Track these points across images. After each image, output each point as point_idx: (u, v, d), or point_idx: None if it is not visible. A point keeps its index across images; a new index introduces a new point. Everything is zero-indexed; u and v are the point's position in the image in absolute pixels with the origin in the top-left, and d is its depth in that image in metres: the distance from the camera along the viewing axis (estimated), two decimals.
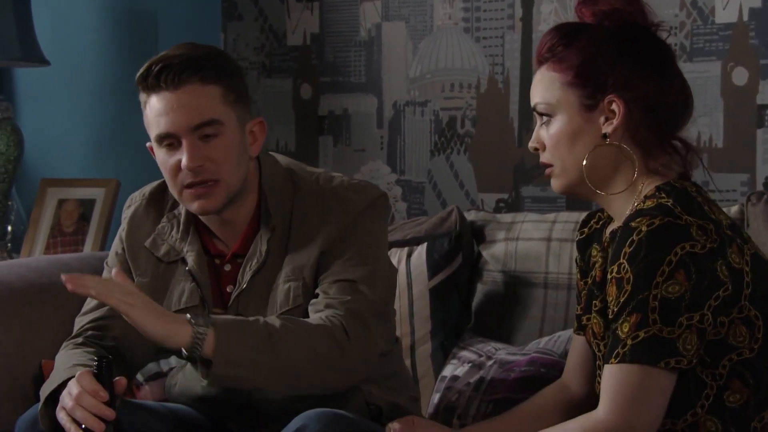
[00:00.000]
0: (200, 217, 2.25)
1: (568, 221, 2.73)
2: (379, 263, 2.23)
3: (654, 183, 1.94)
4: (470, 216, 2.91)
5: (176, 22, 3.57)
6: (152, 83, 2.15)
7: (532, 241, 2.76)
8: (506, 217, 2.87)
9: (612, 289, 1.87)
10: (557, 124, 1.96)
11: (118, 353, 2.23)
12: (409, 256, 2.84)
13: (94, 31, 3.59)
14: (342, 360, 2.10)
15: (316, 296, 2.18)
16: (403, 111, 3.39)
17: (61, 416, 2.00)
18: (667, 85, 1.95)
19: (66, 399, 1.99)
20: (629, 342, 1.83)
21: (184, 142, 2.14)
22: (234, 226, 2.25)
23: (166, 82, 2.13)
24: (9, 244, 3.44)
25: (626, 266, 1.84)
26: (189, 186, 2.16)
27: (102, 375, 1.98)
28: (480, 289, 2.82)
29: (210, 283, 2.26)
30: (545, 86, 1.97)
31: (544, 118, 1.98)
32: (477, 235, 2.87)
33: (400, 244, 2.87)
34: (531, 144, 2.01)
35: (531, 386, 2.37)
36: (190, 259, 2.26)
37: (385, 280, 2.24)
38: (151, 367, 2.73)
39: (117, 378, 2.02)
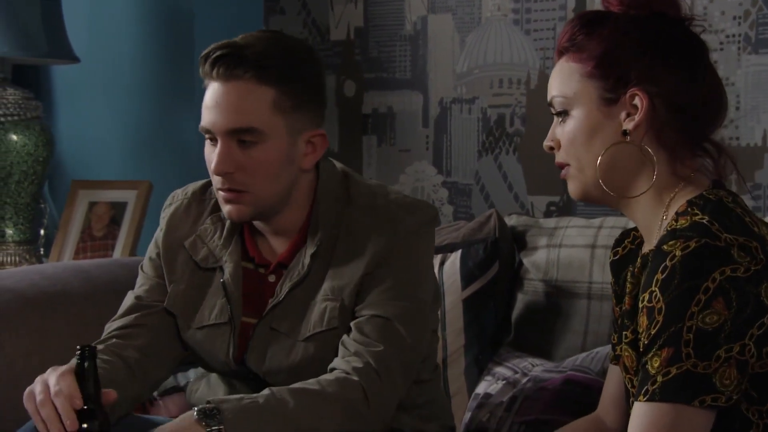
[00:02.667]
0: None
1: (615, 227, 2.52)
2: (420, 295, 2.08)
3: (685, 196, 1.73)
4: (511, 221, 2.72)
5: (216, 17, 3.44)
6: (207, 70, 2.03)
7: (575, 248, 2.56)
8: (549, 222, 2.67)
9: (643, 320, 1.67)
10: (574, 119, 1.78)
11: (140, 365, 2.11)
12: (442, 264, 2.65)
13: (130, 29, 3.49)
14: (361, 424, 1.97)
15: (349, 330, 2.04)
16: (449, 109, 3.22)
17: (29, 406, 1.88)
18: (696, 83, 1.75)
19: (38, 387, 1.88)
20: (660, 378, 1.62)
21: (219, 143, 2.02)
22: (284, 233, 2.12)
23: (218, 73, 2.01)
24: (42, 249, 3.33)
25: (658, 294, 1.63)
26: (220, 188, 2.05)
27: (83, 371, 1.84)
28: (520, 299, 2.62)
29: (251, 293, 2.12)
30: (563, 79, 1.79)
31: (561, 114, 1.80)
32: (518, 241, 2.67)
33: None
34: (546, 143, 1.82)
35: (564, 407, 2.23)
36: (227, 270, 2.13)
37: (424, 314, 2.10)
38: (168, 381, 2.59)
39: (106, 390, 1.88)
